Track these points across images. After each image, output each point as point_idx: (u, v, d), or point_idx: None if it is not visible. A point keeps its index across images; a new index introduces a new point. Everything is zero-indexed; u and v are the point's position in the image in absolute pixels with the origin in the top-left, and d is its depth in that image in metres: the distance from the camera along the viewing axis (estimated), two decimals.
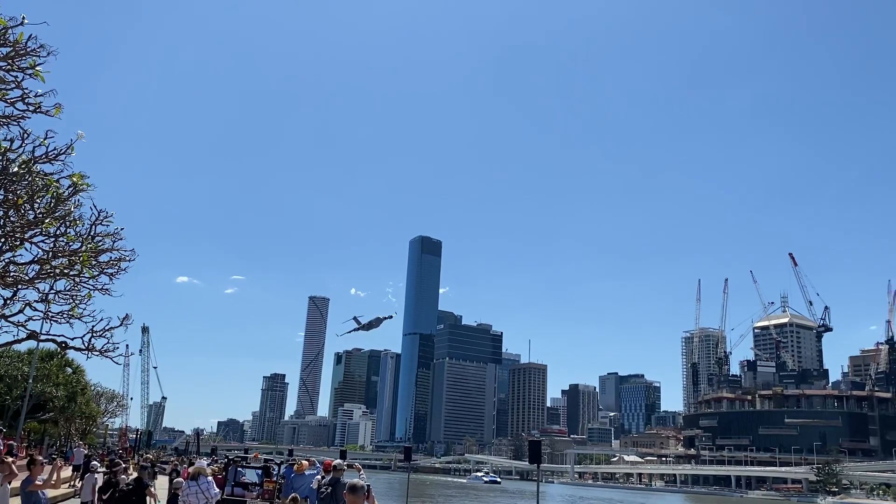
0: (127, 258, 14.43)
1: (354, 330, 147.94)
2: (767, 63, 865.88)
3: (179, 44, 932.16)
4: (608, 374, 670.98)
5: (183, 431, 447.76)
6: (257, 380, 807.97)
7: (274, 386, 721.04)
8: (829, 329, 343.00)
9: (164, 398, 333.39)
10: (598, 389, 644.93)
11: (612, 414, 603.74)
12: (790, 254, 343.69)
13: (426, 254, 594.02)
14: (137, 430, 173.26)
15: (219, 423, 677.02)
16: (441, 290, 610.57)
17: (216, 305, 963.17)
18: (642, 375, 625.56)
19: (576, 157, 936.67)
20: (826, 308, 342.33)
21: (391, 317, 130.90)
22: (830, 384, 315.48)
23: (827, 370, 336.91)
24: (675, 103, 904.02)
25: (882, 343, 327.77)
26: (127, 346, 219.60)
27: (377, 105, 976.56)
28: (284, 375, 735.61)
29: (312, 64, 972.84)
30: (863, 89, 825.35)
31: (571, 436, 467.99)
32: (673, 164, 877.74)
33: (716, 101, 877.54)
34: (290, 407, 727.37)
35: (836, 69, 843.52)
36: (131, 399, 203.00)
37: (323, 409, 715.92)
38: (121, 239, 14.11)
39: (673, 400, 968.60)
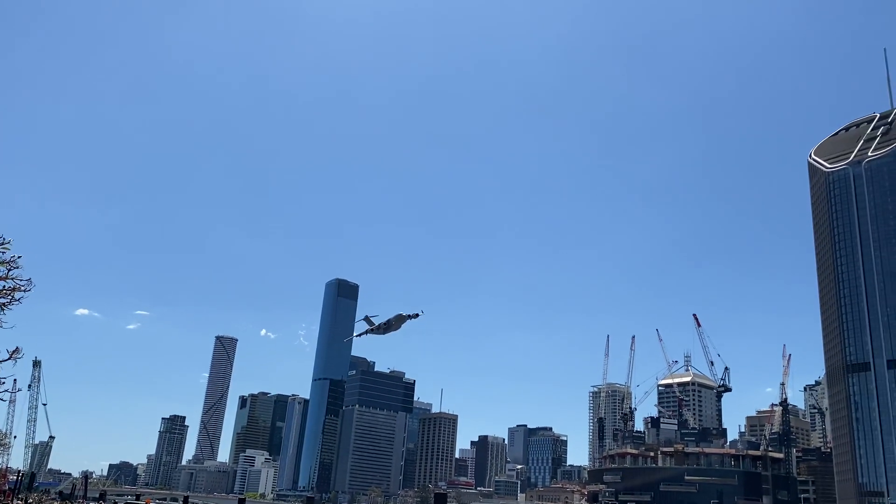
0: (22, 288, 13.58)
1: (366, 332, 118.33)
2: (678, 131, 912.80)
3: (97, 70, 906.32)
4: (517, 426, 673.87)
5: (70, 474, 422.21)
6: (155, 421, 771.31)
7: (173, 428, 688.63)
8: (728, 389, 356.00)
9: (51, 437, 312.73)
10: (506, 441, 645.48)
11: (519, 466, 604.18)
12: (694, 315, 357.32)
13: (342, 297, 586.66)
14: (19, 471, 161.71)
15: (110, 465, 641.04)
16: (356, 335, 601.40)
17: (116, 341, 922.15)
18: (550, 428, 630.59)
19: (493, 210, 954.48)
20: (726, 369, 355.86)
21: (417, 315, 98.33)
22: (728, 443, 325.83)
23: (725, 429, 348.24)
24: (589, 165, 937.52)
25: (777, 405, 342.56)
26: (14, 380, 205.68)
27: (298, 144, 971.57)
28: (185, 418, 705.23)
29: (233, 97, 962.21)
30: (765, 162, 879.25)
31: (479, 488, 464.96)
32: (586, 223, 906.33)
33: (628, 165, 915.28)
34: (189, 451, 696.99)
35: (743, 140, 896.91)
36: (14, 437, 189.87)
37: (224, 454, 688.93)
38: (17, 267, 13.29)
39: (579, 454, 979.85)
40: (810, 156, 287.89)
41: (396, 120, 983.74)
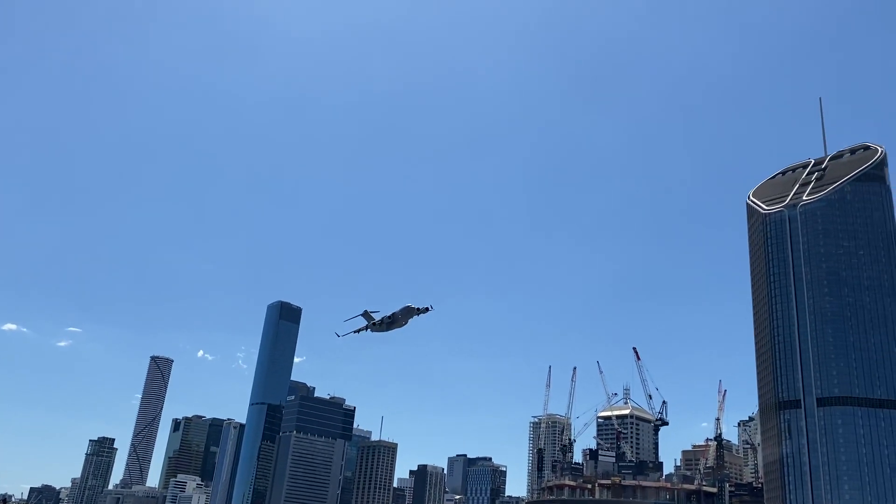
0: None
1: (364, 329, 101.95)
2: (621, 169, 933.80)
3: (32, 74, 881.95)
4: (457, 455, 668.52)
5: None
6: (82, 443, 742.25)
7: (100, 451, 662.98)
8: (665, 423, 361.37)
9: None
10: (445, 471, 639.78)
11: (457, 497, 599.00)
12: (634, 348, 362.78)
13: (284, 320, 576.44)
14: None
15: (31, 489, 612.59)
16: (296, 360, 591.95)
17: (45, 358, 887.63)
18: (490, 458, 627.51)
19: (438, 239, 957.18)
20: (664, 403, 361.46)
21: (428, 309, 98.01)
22: (664, 476, 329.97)
23: (662, 463, 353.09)
24: (535, 197, 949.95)
25: (711, 440, 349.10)
26: None
27: (245, 162, 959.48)
28: (114, 440, 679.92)
29: (178, 113, 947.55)
30: (706, 202, 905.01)
31: None
32: (531, 254, 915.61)
33: (574, 199, 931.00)
34: (117, 475, 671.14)
35: (684, 178, 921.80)
36: None
37: (153, 479, 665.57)
38: None
39: (518, 484, 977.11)
40: (749, 197, 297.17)
41: (346, 143, 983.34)
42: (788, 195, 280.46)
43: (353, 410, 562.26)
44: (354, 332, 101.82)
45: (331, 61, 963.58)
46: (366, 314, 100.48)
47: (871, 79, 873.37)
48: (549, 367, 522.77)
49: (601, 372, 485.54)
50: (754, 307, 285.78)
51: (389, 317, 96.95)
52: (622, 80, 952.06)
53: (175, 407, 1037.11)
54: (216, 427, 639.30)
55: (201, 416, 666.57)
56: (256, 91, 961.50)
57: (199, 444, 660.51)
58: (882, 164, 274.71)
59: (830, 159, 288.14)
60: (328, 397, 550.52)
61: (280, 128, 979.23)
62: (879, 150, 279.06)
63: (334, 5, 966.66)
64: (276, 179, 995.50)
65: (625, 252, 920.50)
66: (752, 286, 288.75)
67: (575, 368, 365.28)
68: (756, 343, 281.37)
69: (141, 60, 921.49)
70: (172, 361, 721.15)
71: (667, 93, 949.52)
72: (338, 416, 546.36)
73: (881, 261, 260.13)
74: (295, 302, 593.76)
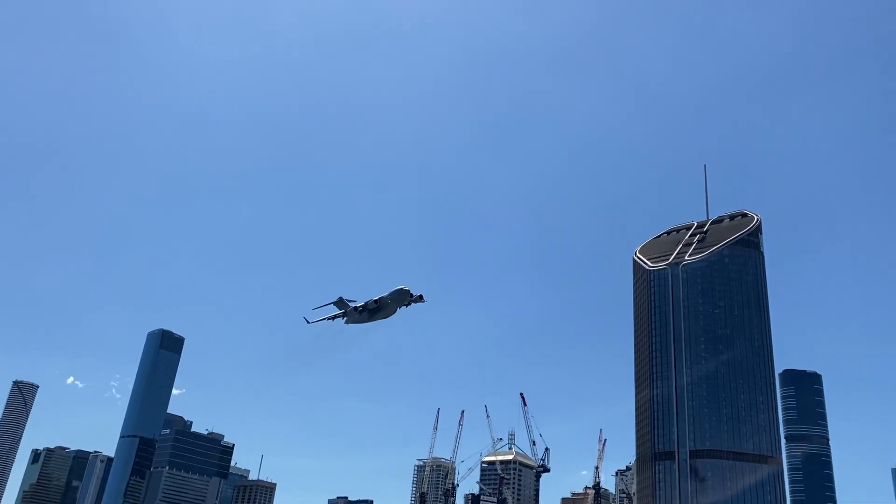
0: None
1: (340, 315, 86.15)
2: (519, 217, 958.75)
3: None
4: (338, 497, 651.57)
5: None
6: None
7: None
8: (547, 470, 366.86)
9: None
10: None
11: None
12: (521, 394, 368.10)
13: (164, 349, 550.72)
14: None
15: None
16: (175, 391, 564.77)
17: None
18: (372, 501, 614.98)
19: (332, 274, 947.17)
20: (547, 449, 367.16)
21: (421, 297, 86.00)
22: None
23: None
24: (434, 239, 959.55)
25: (590, 487, 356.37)
26: None
27: (136, 177, 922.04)
28: None
29: (61, 117, 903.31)
30: (596, 255, 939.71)
31: None
32: (425, 295, 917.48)
33: (470, 245, 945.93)
34: None
35: (576, 232, 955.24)
36: None
37: None
38: None
39: None
40: (635, 254, 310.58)
41: (242, 171, 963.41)
42: (672, 254, 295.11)
43: (232, 447, 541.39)
44: (329, 318, 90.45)
45: (233, 87, 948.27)
46: (341, 301, 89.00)
47: (752, 149, 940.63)
48: (438, 409, 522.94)
49: (488, 416, 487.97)
50: (636, 359, 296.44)
51: (376, 301, 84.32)
52: (522, 134, 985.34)
53: (36, 437, 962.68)
54: (81, 460, 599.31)
55: (65, 448, 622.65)
56: (149, 107, 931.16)
57: (60, 478, 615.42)
58: (757, 231, 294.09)
59: (712, 223, 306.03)
60: (206, 432, 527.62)
61: (173, 147, 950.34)
62: (755, 217, 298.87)
63: (242, 32, 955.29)
64: (168, 201, 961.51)
65: (515, 299, 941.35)
66: (635, 339, 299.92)
67: (463, 412, 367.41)
68: (636, 395, 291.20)
69: (32, 62, 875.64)
70: (38, 387, 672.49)
71: (563, 149, 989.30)
72: (215, 452, 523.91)
73: (753, 322, 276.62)
74: (178, 331, 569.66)
